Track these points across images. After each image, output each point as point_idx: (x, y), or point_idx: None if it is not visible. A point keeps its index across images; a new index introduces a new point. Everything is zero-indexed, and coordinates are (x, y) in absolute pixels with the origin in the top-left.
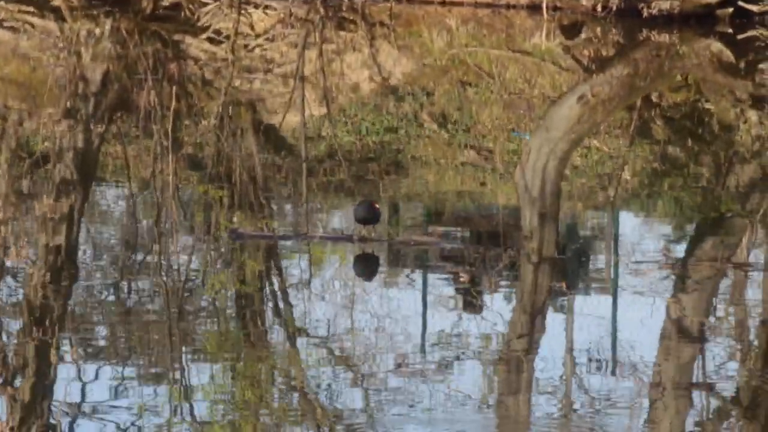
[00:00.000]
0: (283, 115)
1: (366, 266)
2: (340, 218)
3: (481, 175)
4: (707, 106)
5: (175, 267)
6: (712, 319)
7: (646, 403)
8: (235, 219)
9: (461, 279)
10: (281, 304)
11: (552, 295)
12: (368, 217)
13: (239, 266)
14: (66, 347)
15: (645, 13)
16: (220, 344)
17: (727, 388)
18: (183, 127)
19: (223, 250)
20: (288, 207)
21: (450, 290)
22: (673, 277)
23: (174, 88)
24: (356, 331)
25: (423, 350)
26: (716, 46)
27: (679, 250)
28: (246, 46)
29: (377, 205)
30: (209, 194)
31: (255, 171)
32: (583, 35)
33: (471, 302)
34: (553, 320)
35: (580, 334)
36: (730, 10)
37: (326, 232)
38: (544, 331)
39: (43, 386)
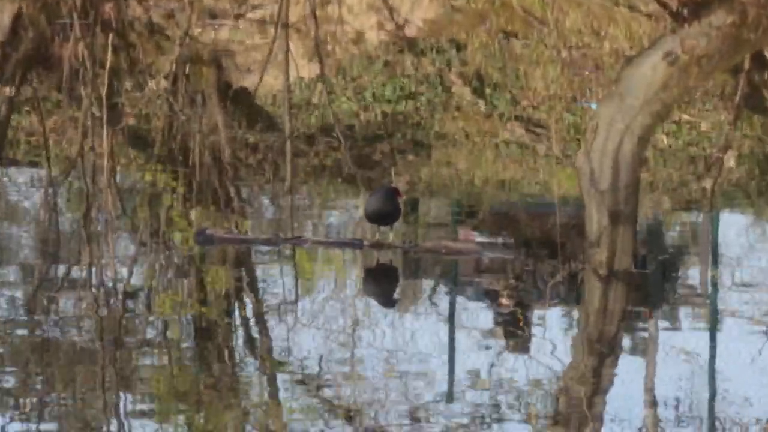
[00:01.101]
0: (260, 76)
1: (380, 284)
2: (339, 216)
3: (530, 159)
4: None
5: (111, 282)
6: None
7: None
8: (193, 216)
9: (503, 302)
10: (258, 335)
11: (628, 325)
12: (385, 210)
13: (202, 281)
14: None
15: None
16: (173, 390)
17: None
18: (122, 92)
19: (177, 259)
20: (267, 201)
21: (487, 318)
22: None
23: (110, 37)
24: (359, 374)
25: (450, 400)
26: None
27: None
28: None
29: (400, 193)
30: (159, 183)
31: (222, 151)
32: None
33: (516, 334)
34: (630, 360)
35: (666, 378)
36: None
37: (325, 236)
38: (616, 375)
39: None
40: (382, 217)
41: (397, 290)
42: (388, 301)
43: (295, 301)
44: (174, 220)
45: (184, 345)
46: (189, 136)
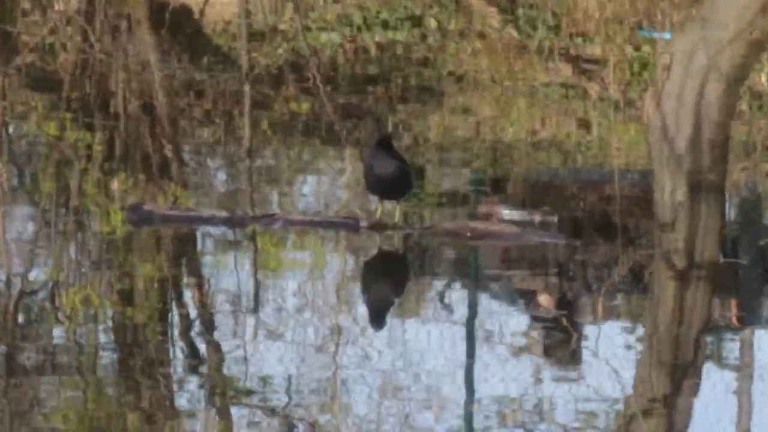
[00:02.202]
0: None
1: (374, 279)
2: (316, 186)
3: (579, 109)
4: None
5: (2, 277)
6: None
7: None
8: (115, 186)
9: (541, 303)
10: (205, 350)
11: (713, 335)
12: (394, 176)
13: (128, 276)
14: None
15: None
16: (86, 428)
17: None
18: (17, 15)
19: (94, 245)
20: (218, 165)
21: (520, 326)
22: None
23: None
24: (343, 404)
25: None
26: None
27: None
28: None
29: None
30: (68, 139)
31: (155, 97)
32: None
33: (556, 346)
34: (716, 383)
35: (765, 406)
36: None
37: (305, 214)
38: (695, 399)
39: None
40: (390, 185)
41: (397, 288)
42: (384, 304)
43: (256, 303)
44: (89, 192)
45: (102, 363)
46: (109, 75)
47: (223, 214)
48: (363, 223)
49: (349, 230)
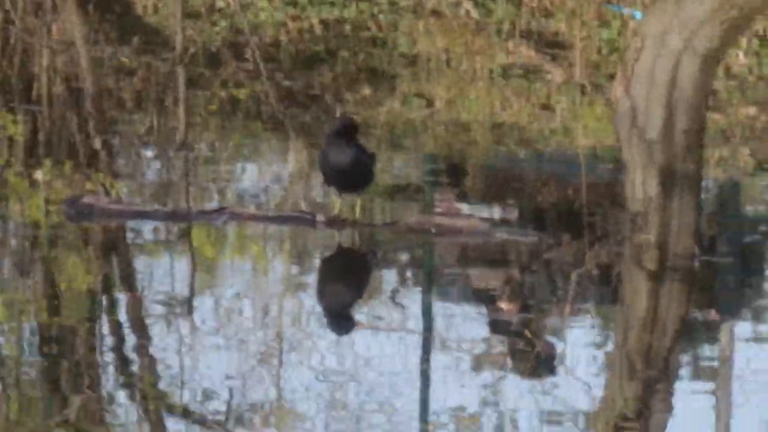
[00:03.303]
0: None
1: (318, 278)
2: (257, 179)
3: (542, 93)
4: None
5: None
6: None
7: None
8: (39, 176)
9: (502, 306)
10: (137, 358)
11: (688, 339)
12: (355, 166)
13: (52, 276)
14: None
15: None
16: None
17: None
18: None
19: (15, 242)
20: (149, 155)
21: (479, 330)
22: None
23: None
24: (284, 415)
25: None
26: None
27: None
28: None
29: (357, 126)
30: None
31: (82, 80)
32: None
33: (521, 353)
34: (693, 390)
35: (748, 417)
36: None
37: (256, 208)
38: (673, 413)
39: None
40: (349, 176)
41: (346, 290)
42: (330, 307)
43: (190, 306)
44: (10, 182)
45: (26, 373)
46: (32, 56)
47: (168, 208)
48: (320, 219)
49: (304, 226)
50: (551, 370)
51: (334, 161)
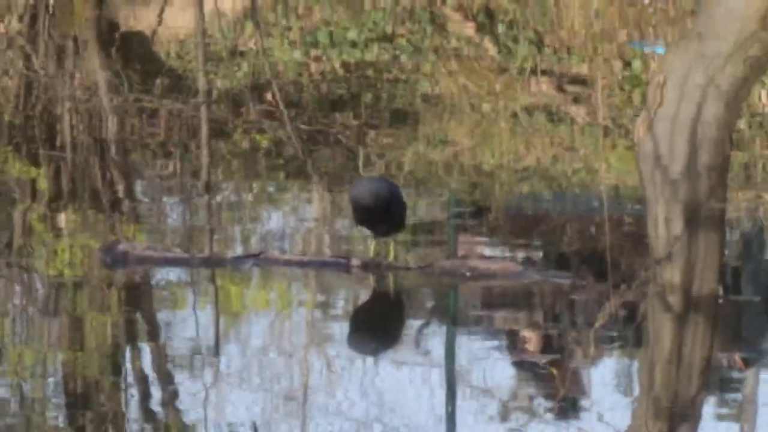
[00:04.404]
0: (160, 12)
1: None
2: (282, 223)
3: (565, 133)
4: None
5: None
6: None
7: None
8: (62, 222)
9: (525, 345)
10: (164, 403)
11: (714, 380)
12: (389, 207)
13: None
14: None
15: None
16: None
17: None
18: None
19: (40, 288)
20: (172, 200)
21: (503, 368)
22: None
23: None
24: None
25: None
26: None
27: None
28: None
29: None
30: (11, 172)
31: (104, 125)
32: None
33: (544, 394)
34: (716, 430)
35: None
36: None
37: (291, 253)
38: None
39: None
40: (382, 216)
41: (369, 332)
42: (356, 349)
43: (217, 351)
44: (33, 228)
45: (50, 419)
46: (55, 102)
47: (203, 254)
48: (355, 263)
49: (339, 270)
50: (576, 412)
51: (357, 195)
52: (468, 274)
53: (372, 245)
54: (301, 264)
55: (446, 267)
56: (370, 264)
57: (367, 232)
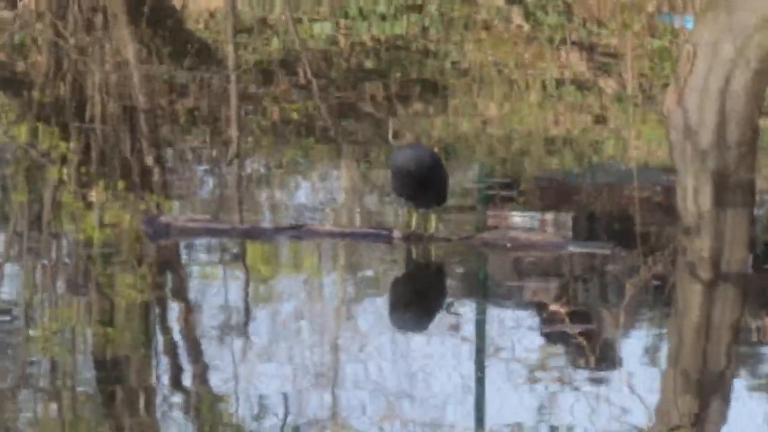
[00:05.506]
0: None
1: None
2: (313, 194)
3: (594, 104)
4: None
5: None
6: None
7: None
8: (94, 196)
9: (553, 311)
10: (193, 374)
11: (744, 352)
12: (424, 177)
13: (106, 294)
14: None
15: None
16: None
17: None
18: None
19: (70, 260)
20: (203, 171)
21: (531, 340)
22: None
23: None
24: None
25: None
26: None
27: None
28: None
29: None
30: (41, 145)
31: (134, 98)
32: None
33: (573, 365)
34: (746, 402)
35: None
36: None
37: (331, 224)
38: (725, 423)
39: None
40: (424, 186)
41: (400, 304)
42: (385, 321)
43: (246, 322)
44: (65, 202)
45: (80, 391)
46: (85, 75)
47: (244, 225)
48: (396, 234)
49: (381, 242)
50: (606, 380)
51: (399, 162)
52: (509, 245)
53: (412, 216)
54: (343, 235)
55: (487, 238)
56: (413, 236)
57: (404, 204)
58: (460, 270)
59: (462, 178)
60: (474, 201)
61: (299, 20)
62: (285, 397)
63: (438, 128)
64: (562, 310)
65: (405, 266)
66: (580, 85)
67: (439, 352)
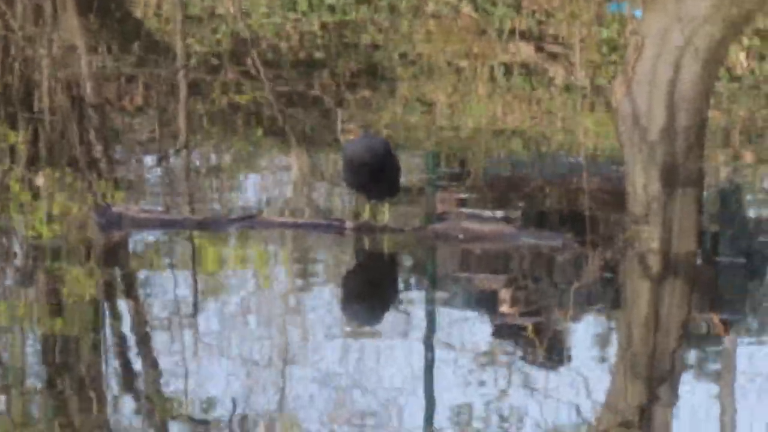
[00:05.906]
0: None
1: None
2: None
3: (543, 94)
4: None
5: None
6: None
7: None
8: (40, 183)
9: (503, 308)
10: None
11: (691, 343)
12: (377, 166)
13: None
14: None
15: None
16: None
17: None
18: None
19: (17, 250)
20: (150, 162)
21: (479, 331)
22: None
23: None
24: (290, 421)
25: None
26: None
27: None
28: None
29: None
30: None
31: (82, 88)
32: None
33: (521, 355)
34: (696, 396)
35: (754, 425)
36: None
37: (285, 214)
38: (673, 413)
39: None
40: (377, 176)
41: (349, 296)
42: (333, 314)
43: (195, 313)
44: (12, 191)
45: (29, 382)
46: (33, 64)
47: (198, 216)
48: (349, 225)
49: (333, 233)
50: (554, 373)
51: (352, 156)
52: (461, 236)
53: (366, 208)
54: (296, 226)
55: (439, 229)
56: (364, 226)
57: (355, 194)
58: (410, 261)
59: (413, 168)
60: (424, 191)
61: (248, 14)
62: (232, 389)
63: (384, 118)
64: (512, 303)
65: (356, 257)
66: (529, 76)
67: (389, 344)
